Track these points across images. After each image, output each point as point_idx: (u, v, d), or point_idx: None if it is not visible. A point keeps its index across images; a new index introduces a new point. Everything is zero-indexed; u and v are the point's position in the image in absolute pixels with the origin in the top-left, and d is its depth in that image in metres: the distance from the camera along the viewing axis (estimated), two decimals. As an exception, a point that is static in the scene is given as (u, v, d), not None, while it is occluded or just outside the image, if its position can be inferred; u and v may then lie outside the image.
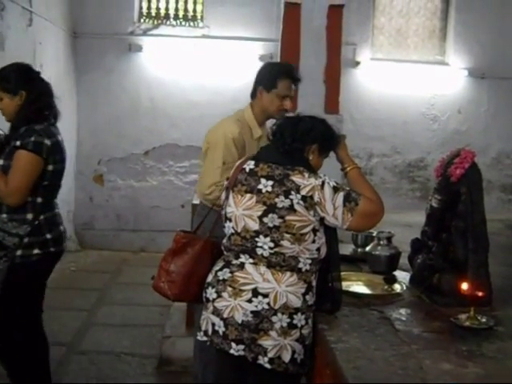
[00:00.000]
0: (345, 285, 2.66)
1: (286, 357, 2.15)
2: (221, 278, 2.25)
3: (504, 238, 4.07)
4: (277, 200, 2.16)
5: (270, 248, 2.18)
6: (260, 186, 2.21)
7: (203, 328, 2.28)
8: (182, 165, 7.33)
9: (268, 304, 2.15)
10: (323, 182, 2.16)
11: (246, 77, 7.07)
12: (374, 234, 3.04)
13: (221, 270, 2.27)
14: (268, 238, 2.17)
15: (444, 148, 6.69)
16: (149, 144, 7.30)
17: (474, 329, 2.15)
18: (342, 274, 2.76)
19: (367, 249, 3.01)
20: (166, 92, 7.19)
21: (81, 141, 7.24)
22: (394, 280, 2.68)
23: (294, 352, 2.16)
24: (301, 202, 2.14)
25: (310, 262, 2.21)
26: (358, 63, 7.35)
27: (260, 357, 2.15)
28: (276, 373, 2.16)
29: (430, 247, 2.66)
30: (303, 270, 2.20)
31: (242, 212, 2.23)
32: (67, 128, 6.86)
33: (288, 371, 2.16)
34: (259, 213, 2.18)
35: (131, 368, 4.07)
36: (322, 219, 2.18)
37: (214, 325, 2.22)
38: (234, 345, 2.17)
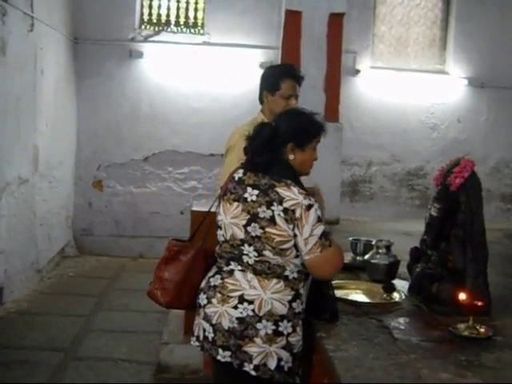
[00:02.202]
0: (343, 293, 2.67)
1: (272, 364, 2.14)
2: (212, 284, 2.26)
3: (503, 247, 4.07)
4: (259, 210, 2.16)
5: (255, 256, 2.18)
6: (246, 195, 2.21)
7: (195, 333, 2.30)
8: (182, 171, 7.33)
9: (253, 311, 2.15)
10: (310, 205, 2.14)
11: (246, 84, 7.15)
12: (373, 243, 3.04)
13: (213, 276, 2.29)
14: (252, 247, 2.18)
15: (443, 157, 6.71)
16: (148, 150, 7.30)
17: (472, 338, 2.14)
18: (341, 282, 2.78)
19: (366, 257, 3.01)
20: (166, 98, 7.20)
21: (80, 146, 7.24)
22: (392, 289, 2.68)
23: (280, 360, 2.15)
24: (281, 214, 2.13)
25: (296, 270, 2.20)
26: (358, 71, 7.37)
27: (246, 364, 2.14)
28: (262, 380, 2.15)
29: (429, 256, 2.65)
30: (290, 277, 2.19)
31: (229, 220, 2.24)
32: (67, 133, 6.88)
33: (274, 379, 2.15)
34: (244, 221, 2.19)
35: (129, 374, 4.06)
36: (294, 236, 2.15)
37: (204, 330, 2.24)
38: (221, 351, 2.17)
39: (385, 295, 2.64)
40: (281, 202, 2.13)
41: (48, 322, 4.88)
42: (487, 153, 7.62)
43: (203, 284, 2.32)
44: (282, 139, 2.24)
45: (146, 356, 4.32)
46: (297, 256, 2.18)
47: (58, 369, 4.07)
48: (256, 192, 2.19)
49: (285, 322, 2.16)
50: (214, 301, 2.22)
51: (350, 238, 3.35)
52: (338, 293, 2.65)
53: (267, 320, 2.14)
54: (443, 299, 2.49)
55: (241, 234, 2.20)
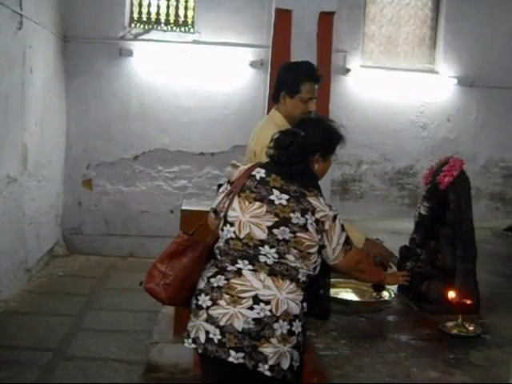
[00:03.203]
0: (333, 292, 2.67)
1: (285, 364, 2.13)
2: (215, 284, 2.21)
3: (492, 245, 4.09)
4: (292, 215, 2.17)
5: (274, 258, 2.18)
6: (272, 197, 2.20)
7: (192, 335, 2.23)
8: (172, 170, 7.31)
9: (270, 311, 2.13)
10: (336, 216, 2.23)
11: (236, 83, 7.16)
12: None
13: (214, 276, 2.23)
14: (274, 249, 2.17)
15: (433, 156, 6.73)
16: (138, 149, 7.27)
17: (461, 336, 2.15)
18: (331, 281, 2.77)
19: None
20: (156, 97, 7.18)
21: (70, 145, 7.20)
22: (382, 287, 2.68)
23: (292, 359, 2.15)
24: (313, 224, 2.18)
25: (306, 274, 2.22)
26: (348, 70, 7.37)
27: (260, 364, 2.11)
28: (274, 380, 2.13)
29: (419, 254, 2.66)
30: (301, 280, 2.21)
31: (248, 219, 2.20)
32: (56, 132, 6.84)
33: (286, 379, 2.14)
34: (269, 223, 2.18)
35: (118, 374, 4.04)
36: (322, 246, 2.22)
37: (208, 333, 2.17)
38: (233, 353, 2.12)
39: (374, 294, 2.65)
40: (313, 213, 2.19)
41: (37, 321, 4.85)
42: (476, 152, 7.65)
43: (202, 284, 2.25)
44: (313, 149, 2.31)
45: (135, 355, 4.31)
46: (315, 261, 2.22)
47: (47, 369, 4.05)
48: (286, 197, 2.20)
49: (297, 321, 2.16)
50: (221, 302, 2.17)
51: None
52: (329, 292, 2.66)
53: (283, 320, 2.13)
54: (432, 297, 2.50)
55: (262, 235, 2.18)
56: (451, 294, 2.27)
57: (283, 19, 4.88)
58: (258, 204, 2.20)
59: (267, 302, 2.14)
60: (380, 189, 7.70)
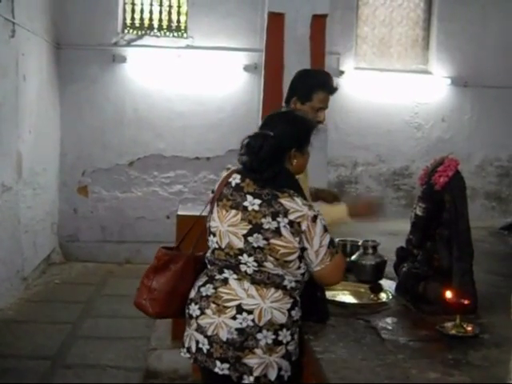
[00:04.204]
0: (331, 294, 2.66)
1: (272, 375, 2.09)
2: (204, 294, 2.20)
3: (488, 244, 4.09)
4: (263, 220, 2.10)
5: (254, 266, 2.12)
6: (246, 203, 2.14)
7: (186, 345, 2.23)
8: (167, 175, 7.30)
9: (253, 321, 2.09)
10: (316, 216, 2.11)
11: (230, 87, 7.16)
12: (360, 243, 3.04)
13: (204, 285, 2.22)
14: (252, 258, 2.12)
15: (428, 156, 6.72)
16: (133, 155, 7.26)
17: (459, 337, 2.15)
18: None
19: (353, 258, 3.00)
20: (150, 102, 7.18)
21: (65, 152, 7.19)
22: (379, 289, 2.68)
23: (280, 369, 2.11)
24: (287, 227, 2.08)
25: (295, 280, 2.16)
26: (341, 72, 7.38)
27: (245, 376, 2.08)
28: None
29: (415, 255, 2.66)
30: (288, 287, 2.15)
31: (226, 228, 2.16)
32: (51, 139, 6.83)
33: None
34: (244, 231, 2.12)
35: (117, 381, 4.03)
36: (303, 249, 2.12)
37: (197, 342, 2.17)
38: (218, 363, 2.10)
39: (372, 296, 2.64)
40: (286, 214, 2.08)
41: (35, 329, 4.84)
42: (471, 151, 7.67)
43: (193, 294, 2.25)
44: (287, 147, 2.19)
45: (134, 362, 4.29)
46: (298, 268, 2.14)
47: (45, 377, 4.04)
48: (258, 202, 2.12)
49: (284, 330, 2.12)
50: (208, 312, 2.16)
51: (337, 239, 3.32)
52: (326, 294, 2.66)
53: (267, 330, 2.09)
54: (430, 298, 2.49)
55: (239, 244, 2.13)
56: (449, 295, 2.26)
57: (276, 23, 4.89)
58: (233, 212, 2.16)
59: (250, 312, 2.10)
60: (376, 190, 7.71)
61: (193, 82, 7.17)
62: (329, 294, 2.64)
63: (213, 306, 2.15)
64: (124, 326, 4.95)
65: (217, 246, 2.20)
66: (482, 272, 2.72)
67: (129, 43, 7.17)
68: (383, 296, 2.63)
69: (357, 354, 2.01)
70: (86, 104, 7.14)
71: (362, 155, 7.60)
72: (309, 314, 2.30)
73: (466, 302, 2.25)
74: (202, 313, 2.17)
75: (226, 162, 6.41)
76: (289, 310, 2.14)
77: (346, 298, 2.69)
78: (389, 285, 2.79)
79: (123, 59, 7.09)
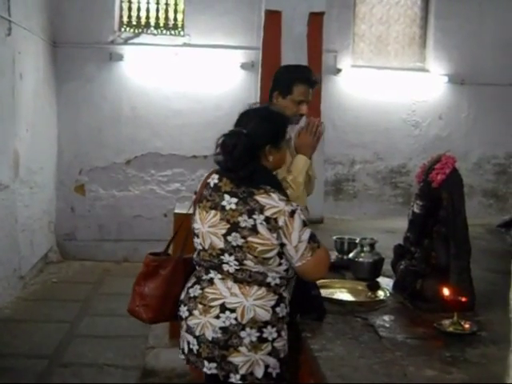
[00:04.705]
0: (328, 292, 2.67)
1: (259, 372, 2.10)
2: (192, 295, 2.21)
3: (485, 242, 4.10)
4: (240, 219, 2.09)
5: (236, 265, 2.12)
6: (224, 203, 2.14)
7: (181, 346, 2.25)
8: (165, 173, 7.29)
9: (235, 319, 2.10)
10: (294, 211, 2.09)
11: (227, 85, 7.15)
12: (357, 241, 3.04)
13: (192, 286, 2.24)
14: (232, 257, 2.12)
15: (425, 154, 6.73)
16: (131, 153, 7.25)
17: (457, 334, 2.15)
18: (326, 281, 2.77)
19: (350, 256, 3.00)
20: (147, 101, 7.16)
21: (62, 150, 7.18)
22: (377, 286, 2.68)
23: (267, 367, 2.11)
24: (264, 223, 2.07)
25: (279, 276, 2.16)
26: (339, 70, 7.38)
27: (231, 374, 2.09)
28: None
29: (413, 253, 2.66)
30: (272, 284, 2.15)
31: (207, 229, 2.17)
32: (48, 138, 6.82)
33: None
34: (223, 231, 2.12)
35: (114, 380, 4.02)
36: (282, 245, 2.10)
37: (188, 343, 2.19)
38: (206, 363, 2.13)
39: (369, 293, 2.64)
40: (262, 211, 2.07)
41: (32, 328, 4.83)
42: (469, 149, 7.68)
43: (183, 296, 2.27)
44: (261, 144, 2.18)
45: (131, 361, 4.29)
46: (280, 264, 2.13)
47: (43, 376, 4.03)
48: (235, 200, 2.12)
49: (269, 327, 2.11)
50: (195, 312, 2.18)
51: (334, 237, 3.34)
52: (323, 292, 2.65)
53: (251, 327, 2.10)
54: (427, 296, 2.50)
55: (220, 244, 2.14)
56: (446, 292, 2.26)
57: (273, 20, 4.88)
58: (213, 212, 2.16)
59: (233, 310, 2.11)
60: (373, 188, 7.71)
61: (190, 80, 7.16)
62: (326, 292, 2.65)
63: (200, 306, 2.17)
64: (121, 324, 4.94)
65: (201, 248, 2.21)
66: (479, 269, 2.72)
67: (126, 41, 7.16)
68: (381, 294, 2.64)
69: (354, 352, 2.01)
70: (82, 102, 7.13)
71: (359, 153, 7.60)
72: (305, 312, 2.30)
73: (463, 299, 2.25)
74: (190, 314, 2.19)
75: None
76: (273, 307, 2.14)
77: (344, 295, 2.69)
78: (386, 282, 2.80)
79: (120, 57, 7.07)
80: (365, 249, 2.93)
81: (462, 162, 3.14)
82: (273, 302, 2.14)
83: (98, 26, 7.04)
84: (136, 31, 7.26)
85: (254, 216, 2.08)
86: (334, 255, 3.26)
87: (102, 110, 7.16)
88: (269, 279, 2.13)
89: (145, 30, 7.28)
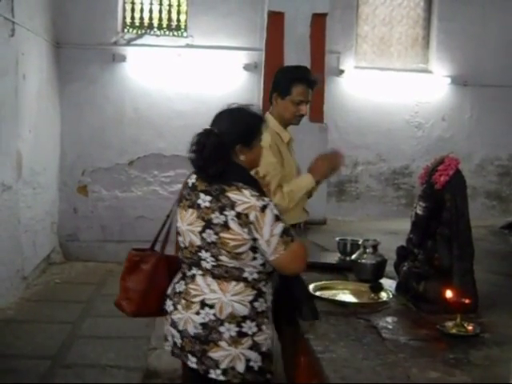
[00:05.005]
0: (331, 293, 2.67)
1: (240, 367, 2.14)
2: (177, 290, 2.28)
3: (489, 244, 4.09)
4: (212, 216, 2.15)
5: (212, 261, 2.17)
6: (199, 201, 2.20)
7: (167, 338, 2.32)
8: (167, 174, 7.29)
9: (214, 315, 2.15)
10: (265, 206, 2.11)
11: (230, 86, 7.15)
12: (360, 242, 3.04)
13: (178, 282, 2.30)
14: (208, 253, 2.17)
15: (428, 155, 6.73)
16: (133, 154, 7.25)
17: (460, 336, 2.14)
18: (328, 282, 2.78)
19: (353, 257, 3.00)
20: (150, 102, 7.17)
21: (65, 151, 7.19)
22: (380, 288, 2.67)
23: (248, 361, 2.15)
24: (235, 219, 2.11)
25: (256, 271, 2.19)
26: (341, 71, 7.37)
27: (211, 370, 2.14)
28: None
29: (416, 254, 2.65)
30: (249, 279, 2.18)
31: (186, 227, 2.23)
32: (50, 138, 6.83)
33: (245, 381, 2.15)
34: (199, 228, 2.18)
35: (117, 381, 4.02)
36: (255, 239, 2.13)
37: (173, 336, 2.26)
38: (190, 356, 2.19)
39: (372, 295, 2.63)
40: (233, 207, 2.12)
41: (35, 329, 4.83)
42: (472, 150, 7.67)
43: (169, 290, 2.32)
44: (230, 143, 2.21)
45: (134, 362, 4.29)
46: (254, 258, 2.16)
47: (45, 377, 4.02)
48: (208, 198, 2.17)
49: (248, 322, 2.16)
50: (179, 307, 2.24)
51: (337, 238, 3.34)
52: (326, 293, 2.66)
53: (229, 322, 2.14)
54: (430, 297, 2.49)
55: (197, 241, 2.19)
56: (449, 294, 2.26)
57: (276, 22, 4.89)
58: (190, 211, 2.22)
59: (211, 306, 2.16)
60: (376, 189, 7.70)
61: (193, 81, 7.16)
62: (329, 294, 2.65)
63: (183, 301, 2.23)
64: (124, 325, 4.93)
65: (183, 245, 2.27)
66: (482, 271, 2.72)
67: (129, 42, 7.16)
68: (384, 295, 2.63)
69: (357, 354, 2.00)
70: (85, 103, 7.13)
71: (362, 154, 7.60)
72: (298, 312, 2.33)
73: (466, 301, 2.25)
74: (175, 308, 2.26)
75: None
76: (251, 302, 2.18)
77: (347, 297, 2.68)
78: (389, 284, 2.80)
79: (123, 58, 7.08)
80: (367, 250, 2.92)
81: (464, 164, 3.13)
82: (251, 297, 2.18)
83: (101, 26, 7.05)
84: (139, 32, 7.26)
85: (226, 212, 2.12)
86: (336, 256, 3.27)
87: (104, 110, 7.16)
88: (246, 274, 2.18)
89: (148, 30, 7.29)
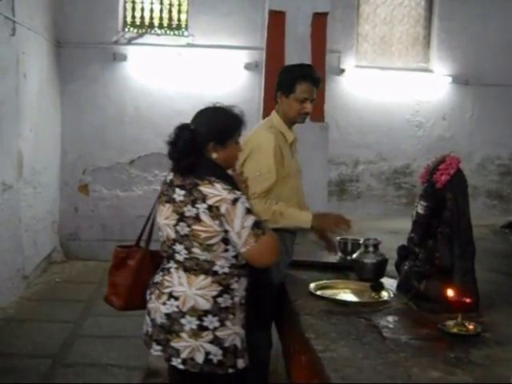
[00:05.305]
0: (332, 293, 2.67)
1: (199, 358, 2.21)
2: (155, 280, 2.36)
3: (490, 243, 4.08)
4: (185, 209, 2.21)
5: (185, 254, 2.24)
6: (174, 196, 2.26)
7: (143, 327, 2.41)
8: (168, 174, 7.29)
9: (177, 307, 2.23)
10: (236, 199, 2.17)
11: (231, 85, 7.15)
12: (361, 242, 3.03)
13: (158, 273, 2.39)
14: (182, 246, 2.24)
15: (429, 154, 6.73)
16: (134, 153, 7.26)
17: (461, 335, 2.14)
18: (329, 282, 2.79)
19: (354, 256, 3.00)
20: (151, 101, 7.17)
21: (65, 151, 7.19)
22: (381, 287, 2.67)
23: (207, 353, 2.21)
24: (206, 212, 2.17)
25: (228, 265, 2.25)
26: (342, 71, 7.37)
27: (173, 358, 2.23)
28: (191, 373, 2.23)
29: (417, 254, 2.65)
30: (220, 272, 2.24)
31: (163, 221, 2.31)
32: (51, 138, 6.83)
33: (203, 371, 2.22)
34: (173, 222, 2.25)
35: (118, 380, 4.02)
36: (226, 231, 2.18)
37: (147, 325, 2.36)
38: (154, 345, 2.28)
39: (373, 294, 2.63)
40: (204, 200, 2.18)
41: (35, 328, 4.83)
42: (472, 150, 7.67)
43: (150, 281, 2.41)
44: (203, 140, 2.27)
45: (135, 361, 4.28)
46: (226, 250, 2.22)
47: (46, 376, 4.02)
48: (182, 192, 2.24)
49: (210, 316, 2.22)
50: (153, 297, 2.33)
51: (338, 238, 3.34)
52: (327, 292, 2.66)
53: (191, 315, 2.21)
54: (431, 297, 2.49)
55: (172, 234, 2.27)
56: (450, 293, 2.25)
57: (277, 21, 4.89)
58: (167, 206, 2.29)
59: (177, 298, 2.24)
60: (377, 188, 7.70)
61: (193, 80, 7.16)
62: (330, 293, 2.65)
63: (156, 291, 2.31)
64: (125, 324, 4.94)
65: (162, 239, 2.36)
66: (483, 270, 2.72)
67: (129, 41, 7.17)
68: (384, 294, 2.63)
69: (358, 353, 2.00)
70: (86, 102, 7.14)
71: (363, 153, 7.60)
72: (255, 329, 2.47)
73: (467, 300, 2.25)
74: (150, 298, 2.35)
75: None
76: (214, 297, 2.23)
77: (347, 296, 2.68)
78: (390, 283, 2.79)
79: (124, 57, 7.08)
80: (369, 249, 2.92)
81: (465, 163, 3.13)
82: (215, 293, 2.24)
83: (102, 26, 7.05)
84: (140, 31, 7.27)
85: (197, 205, 2.19)
86: (337, 256, 3.27)
87: (105, 110, 7.16)
88: (216, 267, 2.23)
89: (148, 30, 7.29)
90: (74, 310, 5.33)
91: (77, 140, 7.17)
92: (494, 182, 7.90)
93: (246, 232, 2.16)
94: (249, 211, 2.18)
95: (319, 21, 4.91)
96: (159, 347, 2.26)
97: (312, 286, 2.71)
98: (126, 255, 2.53)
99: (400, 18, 7.71)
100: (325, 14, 4.94)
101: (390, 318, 2.38)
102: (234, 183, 2.27)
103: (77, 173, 7.23)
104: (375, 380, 1.80)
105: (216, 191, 2.17)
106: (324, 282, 2.80)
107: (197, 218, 2.18)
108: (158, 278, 2.36)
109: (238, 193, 2.20)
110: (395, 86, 7.55)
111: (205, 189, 2.19)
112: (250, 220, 2.17)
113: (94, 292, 5.92)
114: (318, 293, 2.65)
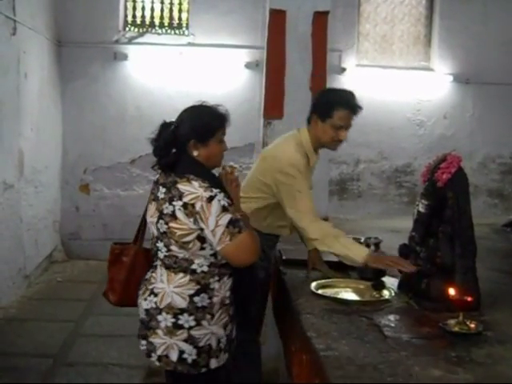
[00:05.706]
0: (333, 291, 2.67)
1: (173, 356, 2.23)
2: (146, 277, 2.40)
3: (491, 242, 4.08)
4: (164, 206, 2.23)
5: (165, 251, 2.26)
6: (158, 194, 2.29)
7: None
8: (169, 173, 7.29)
9: (155, 303, 2.26)
10: (212, 197, 2.15)
11: (232, 84, 7.15)
12: (362, 240, 3.03)
13: (149, 270, 2.41)
14: (162, 243, 2.27)
15: (430, 153, 6.72)
16: (135, 152, 7.25)
17: (462, 334, 2.14)
18: (330, 281, 2.78)
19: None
20: (152, 100, 7.16)
21: (66, 150, 7.19)
22: (382, 286, 2.67)
23: (182, 352, 2.22)
24: (181, 209, 2.17)
25: (207, 264, 2.25)
26: (343, 69, 7.37)
27: (152, 354, 2.27)
28: (166, 371, 2.29)
29: (418, 252, 2.65)
30: (198, 271, 2.24)
31: (149, 219, 2.35)
32: (52, 137, 6.83)
33: (177, 370, 2.23)
34: (155, 219, 2.28)
35: (119, 379, 4.02)
36: (202, 229, 2.18)
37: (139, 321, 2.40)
38: (140, 340, 2.33)
39: (374, 293, 2.64)
40: (180, 197, 2.18)
41: (36, 328, 4.84)
42: (474, 148, 7.66)
43: (143, 278, 2.44)
44: (184, 137, 2.29)
45: (136, 360, 4.27)
46: (202, 248, 2.21)
47: (47, 375, 4.03)
48: (164, 190, 2.26)
49: (185, 315, 2.23)
50: (140, 292, 2.38)
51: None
52: (328, 291, 2.66)
53: (167, 313, 2.24)
54: (433, 295, 2.49)
55: (155, 232, 2.31)
56: (451, 292, 2.25)
57: (277, 20, 4.87)
58: (153, 204, 2.32)
59: (156, 295, 2.27)
60: (378, 187, 7.70)
61: (194, 79, 7.15)
62: (331, 292, 2.66)
63: (143, 287, 2.37)
64: (126, 323, 4.91)
65: (151, 237, 2.39)
66: (484, 269, 2.72)
67: (130, 41, 7.17)
68: (386, 293, 2.63)
69: (359, 352, 2.00)
70: (87, 102, 7.14)
71: (364, 152, 7.59)
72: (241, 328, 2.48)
73: (468, 299, 2.25)
74: (139, 294, 2.39)
75: (227, 159, 6.40)
76: (191, 296, 2.24)
77: (349, 295, 2.68)
78: (391, 282, 2.79)
79: (125, 57, 7.08)
80: (370, 248, 2.92)
81: (466, 162, 3.13)
82: (192, 291, 2.24)
83: (103, 25, 7.05)
84: (140, 31, 7.27)
85: (174, 202, 2.20)
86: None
87: (106, 109, 7.16)
88: (194, 266, 2.24)
89: (149, 29, 7.29)
90: (75, 309, 5.34)
91: (78, 139, 7.17)
92: (495, 181, 7.89)
93: (220, 230, 2.14)
94: (225, 209, 2.16)
95: (320, 20, 4.89)
96: (144, 342, 2.30)
97: (313, 284, 2.71)
98: (120, 252, 2.59)
99: (401, 16, 7.71)
100: (326, 13, 4.93)
101: (392, 317, 2.38)
102: (215, 181, 2.26)
103: (78, 172, 7.23)
104: (376, 379, 1.80)
105: (192, 189, 2.18)
106: (325, 280, 2.80)
107: (173, 216, 2.19)
108: (148, 274, 2.39)
109: (216, 190, 2.18)
110: (396, 85, 7.54)
111: (182, 186, 2.20)
112: (226, 218, 2.15)
113: (95, 291, 5.92)
114: (319, 292, 2.65)
